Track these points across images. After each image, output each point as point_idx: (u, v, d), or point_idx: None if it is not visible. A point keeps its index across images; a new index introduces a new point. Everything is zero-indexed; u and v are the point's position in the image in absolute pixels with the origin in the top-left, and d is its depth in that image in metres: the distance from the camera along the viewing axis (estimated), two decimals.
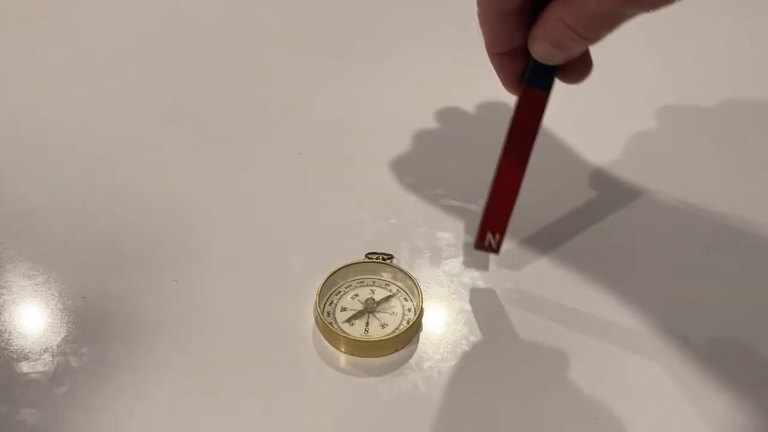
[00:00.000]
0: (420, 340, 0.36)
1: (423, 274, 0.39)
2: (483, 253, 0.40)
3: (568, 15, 0.29)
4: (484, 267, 0.40)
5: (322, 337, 0.36)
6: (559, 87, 0.33)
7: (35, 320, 0.37)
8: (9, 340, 0.36)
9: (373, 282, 0.38)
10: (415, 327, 0.36)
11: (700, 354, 0.35)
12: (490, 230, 0.36)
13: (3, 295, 0.38)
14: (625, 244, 0.41)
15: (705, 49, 0.59)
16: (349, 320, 0.36)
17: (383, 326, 0.36)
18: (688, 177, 0.46)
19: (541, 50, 0.31)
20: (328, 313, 0.37)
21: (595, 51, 0.32)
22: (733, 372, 0.35)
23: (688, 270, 0.40)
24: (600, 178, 0.46)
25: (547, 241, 0.41)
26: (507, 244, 0.41)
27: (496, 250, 0.36)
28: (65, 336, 0.36)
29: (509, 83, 0.34)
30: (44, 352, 0.35)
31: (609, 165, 0.47)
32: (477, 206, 0.43)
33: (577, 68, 0.33)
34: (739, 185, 0.46)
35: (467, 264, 0.40)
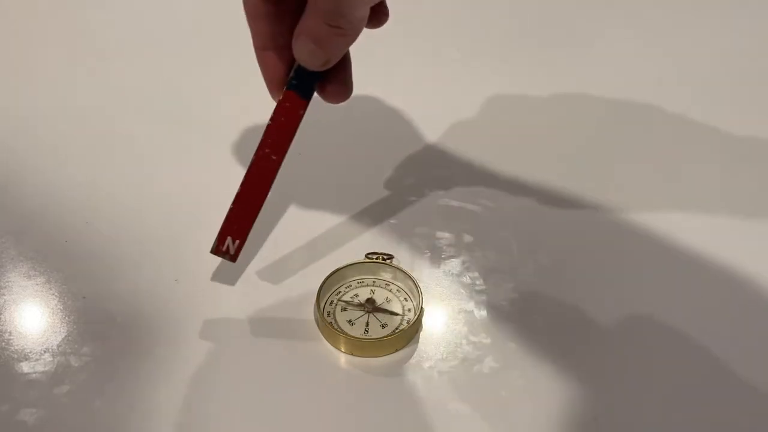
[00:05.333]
0: (420, 340, 0.36)
1: (423, 274, 0.39)
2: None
3: (324, 3, 0.27)
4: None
5: (322, 337, 0.36)
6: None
7: (35, 320, 0.37)
8: (9, 340, 0.36)
9: (373, 282, 0.38)
10: (415, 327, 0.36)
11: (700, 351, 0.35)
12: (231, 235, 0.34)
13: (3, 295, 0.38)
14: (629, 240, 0.42)
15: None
16: (349, 320, 0.36)
17: (383, 326, 0.36)
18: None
19: (301, 48, 0.30)
20: (328, 313, 0.37)
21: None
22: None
23: (682, 265, 0.40)
24: (600, 183, 0.46)
25: (547, 241, 0.41)
26: (507, 244, 0.41)
27: (234, 257, 0.35)
28: (65, 336, 0.36)
29: (272, 83, 0.33)
30: (44, 352, 0.35)
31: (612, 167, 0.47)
32: (477, 206, 0.43)
33: (337, 84, 0.32)
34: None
35: (467, 264, 0.40)
